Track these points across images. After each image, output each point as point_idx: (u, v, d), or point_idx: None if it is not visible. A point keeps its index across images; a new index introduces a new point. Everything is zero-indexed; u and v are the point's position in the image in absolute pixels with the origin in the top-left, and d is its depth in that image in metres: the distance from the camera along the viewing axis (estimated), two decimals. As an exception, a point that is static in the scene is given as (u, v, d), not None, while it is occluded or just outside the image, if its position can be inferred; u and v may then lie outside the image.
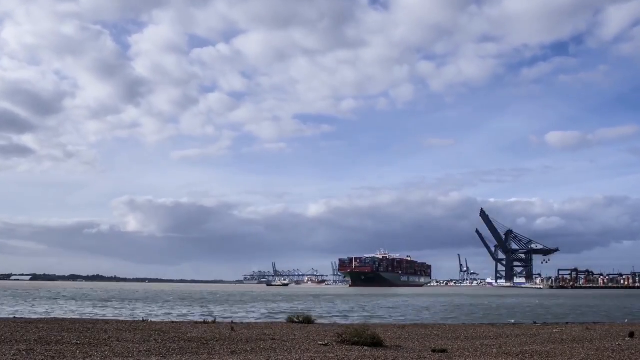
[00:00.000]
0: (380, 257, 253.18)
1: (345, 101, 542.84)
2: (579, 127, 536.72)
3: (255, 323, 27.93)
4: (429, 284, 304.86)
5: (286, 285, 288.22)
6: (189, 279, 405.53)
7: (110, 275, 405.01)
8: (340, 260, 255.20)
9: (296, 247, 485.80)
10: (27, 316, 31.77)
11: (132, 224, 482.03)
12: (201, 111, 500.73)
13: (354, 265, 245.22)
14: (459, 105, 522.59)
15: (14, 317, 29.52)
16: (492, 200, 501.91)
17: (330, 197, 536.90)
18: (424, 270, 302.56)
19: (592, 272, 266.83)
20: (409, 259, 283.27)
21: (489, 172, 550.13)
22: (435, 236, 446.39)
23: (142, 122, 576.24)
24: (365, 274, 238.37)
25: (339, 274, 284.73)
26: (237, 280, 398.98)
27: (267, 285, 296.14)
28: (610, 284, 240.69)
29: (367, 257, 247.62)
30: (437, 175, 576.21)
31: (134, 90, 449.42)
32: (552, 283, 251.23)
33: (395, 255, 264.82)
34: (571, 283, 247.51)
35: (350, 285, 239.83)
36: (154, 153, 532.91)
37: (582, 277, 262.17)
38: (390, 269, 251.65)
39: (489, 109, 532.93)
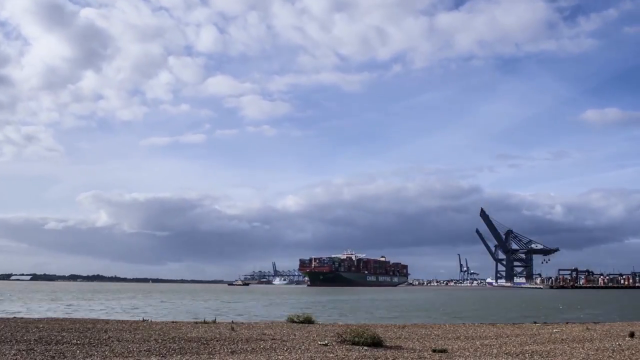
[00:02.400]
0: (344, 257, 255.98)
1: (348, 69, 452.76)
2: (629, 101, 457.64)
3: (256, 323, 27.94)
4: (404, 284, 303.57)
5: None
6: (188, 278, 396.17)
7: (110, 275, 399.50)
8: (300, 260, 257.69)
9: (294, 245, 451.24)
10: (27, 316, 31.78)
11: (110, 221, 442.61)
12: (169, 81, 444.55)
13: (313, 265, 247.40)
14: (488, 71, 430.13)
15: (14, 316, 29.51)
16: (498, 191, 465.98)
17: (326, 189, 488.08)
18: (399, 270, 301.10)
19: (592, 272, 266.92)
20: (382, 259, 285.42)
21: (503, 158, 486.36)
22: (436, 232, 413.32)
23: (104, 93, 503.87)
24: (324, 273, 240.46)
25: (299, 273, 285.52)
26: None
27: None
28: (610, 284, 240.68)
29: (326, 257, 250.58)
30: (445, 162, 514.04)
31: (91, 49, 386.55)
32: (552, 283, 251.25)
33: (362, 255, 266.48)
34: (571, 283, 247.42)
35: (308, 285, 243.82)
36: (123, 139, 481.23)
37: (582, 277, 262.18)
38: (353, 269, 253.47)
39: (518, 77, 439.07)
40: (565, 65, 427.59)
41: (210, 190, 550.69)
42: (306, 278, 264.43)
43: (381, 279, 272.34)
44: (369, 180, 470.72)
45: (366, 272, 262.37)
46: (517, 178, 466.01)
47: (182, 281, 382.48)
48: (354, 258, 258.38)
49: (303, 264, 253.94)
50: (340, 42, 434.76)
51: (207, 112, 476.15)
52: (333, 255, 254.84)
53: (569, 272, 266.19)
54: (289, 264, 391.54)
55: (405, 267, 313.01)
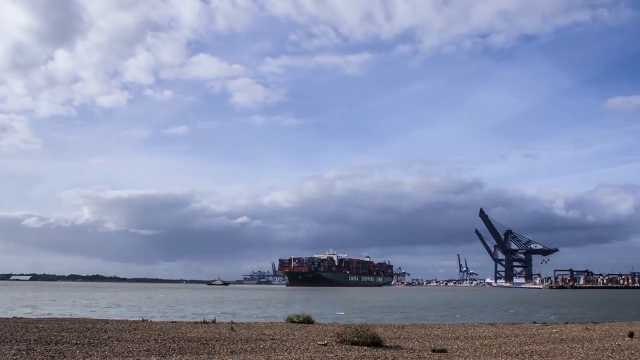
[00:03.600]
0: (325, 257, 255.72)
1: (348, 49, 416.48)
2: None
3: (255, 323, 27.92)
4: (390, 284, 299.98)
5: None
6: (188, 279, 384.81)
7: (109, 276, 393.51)
8: (280, 260, 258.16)
9: (292, 244, 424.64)
10: (26, 316, 31.76)
11: (95, 219, 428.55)
12: (149, 62, 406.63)
13: (292, 265, 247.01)
14: (504, 50, 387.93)
15: (14, 316, 29.51)
16: (500, 186, 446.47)
17: (319, 184, 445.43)
18: (383, 270, 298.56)
19: (591, 272, 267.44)
20: (366, 259, 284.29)
21: (512, 149, 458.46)
22: (435, 230, 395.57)
23: (80, 75, 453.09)
24: (303, 273, 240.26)
25: (280, 273, 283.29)
26: (236, 281, 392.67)
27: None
28: (609, 284, 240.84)
29: (306, 258, 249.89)
30: (445, 155, 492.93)
31: (61, 22, 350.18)
32: (551, 283, 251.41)
33: (343, 255, 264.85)
34: (570, 283, 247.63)
35: (287, 285, 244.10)
36: (105, 131, 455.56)
37: (582, 277, 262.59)
38: (334, 268, 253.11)
39: (534, 58, 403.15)
40: (599, 41, 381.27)
41: (198, 187, 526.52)
42: (285, 277, 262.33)
43: (364, 279, 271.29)
44: (366, 173, 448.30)
45: (348, 272, 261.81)
46: (521, 173, 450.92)
47: (180, 281, 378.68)
48: (335, 258, 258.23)
49: (283, 263, 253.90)
50: (339, 16, 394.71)
51: (192, 100, 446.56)
52: (315, 256, 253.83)
53: (567, 272, 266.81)
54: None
55: (390, 267, 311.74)
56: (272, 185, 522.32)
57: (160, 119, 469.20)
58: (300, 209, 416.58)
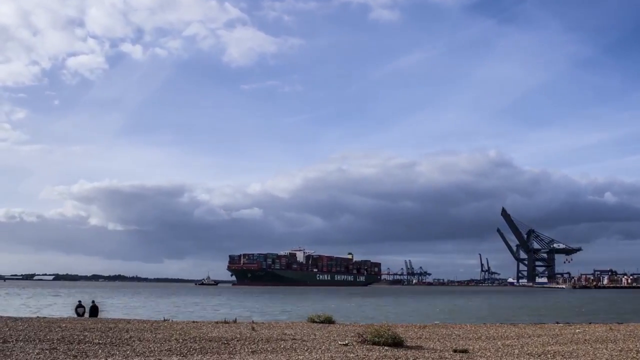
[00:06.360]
0: (285, 253, 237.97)
1: None
2: None
3: (276, 322, 28.00)
4: (374, 284, 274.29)
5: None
6: (196, 278, 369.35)
7: (131, 276, 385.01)
8: (230, 256, 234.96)
9: (302, 240, 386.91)
10: (50, 315, 32.23)
11: (81, 215, 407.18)
12: (115, 3, 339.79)
13: (242, 262, 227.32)
14: None
15: (37, 316, 29.95)
16: (529, 170, 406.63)
17: (328, 167, 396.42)
18: (367, 268, 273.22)
19: (615, 272, 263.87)
20: (348, 256, 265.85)
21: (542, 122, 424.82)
22: (456, 224, 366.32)
23: (36, 25, 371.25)
24: (252, 271, 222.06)
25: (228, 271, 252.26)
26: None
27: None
28: (634, 284, 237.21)
29: (258, 254, 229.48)
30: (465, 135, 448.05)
31: None
32: (574, 283, 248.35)
33: (311, 251, 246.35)
34: (594, 283, 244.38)
35: (233, 285, 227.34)
36: (83, 112, 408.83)
37: (606, 276, 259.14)
38: (295, 266, 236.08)
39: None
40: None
41: (190, 177, 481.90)
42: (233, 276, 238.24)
43: (339, 277, 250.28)
44: (381, 158, 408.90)
45: (315, 270, 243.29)
46: (550, 155, 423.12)
47: (189, 281, 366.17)
48: (300, 254, 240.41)
49: (232, 260, 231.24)
50: None
51: (175, 60, 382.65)
52: (272, 252, 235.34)
53: (592, 272, 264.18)
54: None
55: (377, 265, 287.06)
56: (273, 174, 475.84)
57: (142, 96, 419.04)
58: (303, 199, 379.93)
